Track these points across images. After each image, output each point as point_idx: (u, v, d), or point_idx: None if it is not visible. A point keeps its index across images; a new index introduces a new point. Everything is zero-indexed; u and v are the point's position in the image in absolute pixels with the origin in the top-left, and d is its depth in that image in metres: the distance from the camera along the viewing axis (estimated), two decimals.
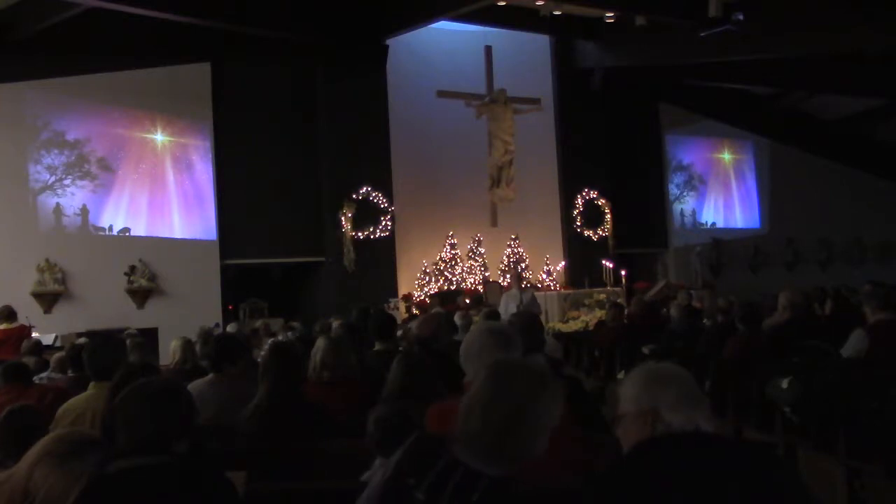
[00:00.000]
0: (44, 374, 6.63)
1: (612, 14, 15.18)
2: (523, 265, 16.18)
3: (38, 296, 12.69)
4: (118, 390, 3.38)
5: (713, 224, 19.64)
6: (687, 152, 19.46)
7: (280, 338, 8.50)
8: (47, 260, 12.82)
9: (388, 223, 14.84)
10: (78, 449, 2.49)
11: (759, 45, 14.06)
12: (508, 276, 13.39)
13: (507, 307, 10.81)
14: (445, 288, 15.36)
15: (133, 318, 12.91)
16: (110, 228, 13.49)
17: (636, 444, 2.29)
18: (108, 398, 3.92)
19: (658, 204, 18.69)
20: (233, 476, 2.75)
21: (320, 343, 4.74)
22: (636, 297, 12.16)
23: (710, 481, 2.14)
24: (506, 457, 2.07)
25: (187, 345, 6.53)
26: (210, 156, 14.25)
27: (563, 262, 16.47)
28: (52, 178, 13.06)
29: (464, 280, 15.73)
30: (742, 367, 5.93)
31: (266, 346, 7.04)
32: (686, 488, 2.13)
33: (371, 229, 14.62)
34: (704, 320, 9.52)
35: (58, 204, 13.07)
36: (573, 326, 13.22)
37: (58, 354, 7.08)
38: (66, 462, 2.44)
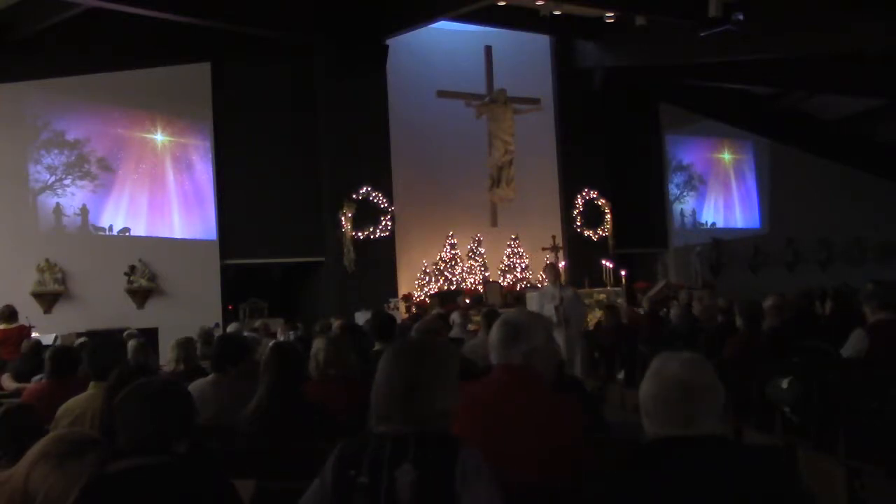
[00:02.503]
0: (42, 375, 6.62)
1: (612, 14, 15.19)
2: (554, 263, 16.10)
3: (38, 296, 12.70)
4: (113, 391, 3.38)
5: (713, 224, 19.65)
6: (687, 152, 19.47)
7: (281, 338, 8.50)
8: (47, 260, 12.82)
9: (388, 223, 14.85)
10: (77, 449, 2.49)
11: (759, 45, 14.06)
12: (546, 273, 10.64)
13: (542, 307, 9.33)
14: (445, 288, 15.36)
15: (133, 318, 12.91)
16: (110, 228, 13.49)
17: (641, 445, 2.31)
18: (104, 399, 3.93)
19: (658, 204, 18.69)
20: (241, 484, 2.76)
21: (320, 343, 4.74)
22: (606, 311, 11.11)
23: (707, 485, 2.14)
24: (417, 415, 2.35)
25: (185, 344, 6.50)
26: (210, 156, 14.25)
27: (563, 262, 16.47)
28: (52, 178, 13.06)
29: (464, 280, 15.73)
30: (742, 367, 5.93)
31: (265, 347, 7.05)
32: (683, 491, 2.13)
33: (371, 229, 14.62)
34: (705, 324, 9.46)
35: (58, 204, 13.08)
36: None
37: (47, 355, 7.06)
38: (65, 462, 2.44)
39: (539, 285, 16.09)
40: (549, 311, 9.08)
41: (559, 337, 8.90)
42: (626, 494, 2.21)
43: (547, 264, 11.05)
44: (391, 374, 2.44)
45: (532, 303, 10.23)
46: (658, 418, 2.26)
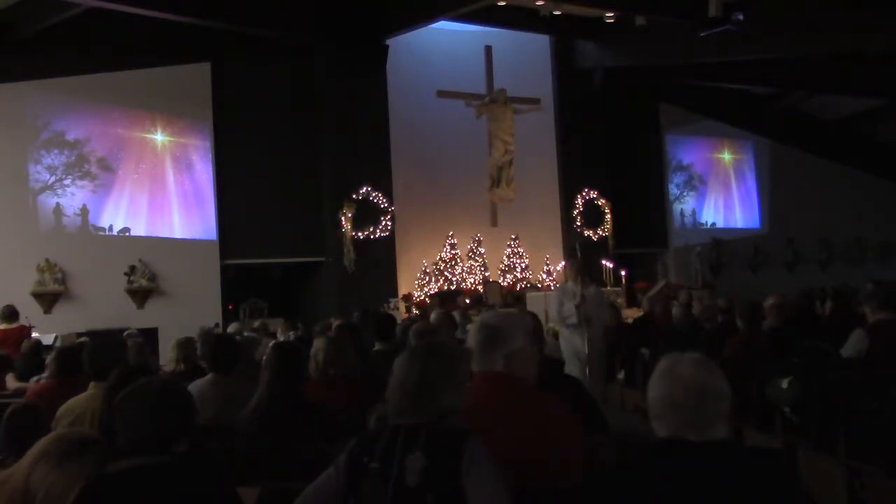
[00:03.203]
0: (42, 375, 6.62)
1: (612, 14, 15.19)
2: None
3: (38, 296, 12.69)
4: (113, 391, 3.38)
5: (713, 224, 19.64)
6: (687, 152, 19.46)
7: (282, 338, 8.50)
8: (47, 260, 12.82)
9: (388, 223, 14.84)
10: (78, 449, 2.49)
11: (759, 45, 14.06)
12: (567, 268, 9.24)
13: (562, 307, 8.51)
14: (445, 288, 15.36)
15: (133, 318, 12.90)
16: (110, 228, 13.49)
17: (645, 447, 2.31)
18: (104, 399, 3.93)
19: (658, 204, 18.68)
20: (244, 492, 2.76)
21: (320, 343, 4.74)
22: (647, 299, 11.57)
23: (710, 487, 2.14)
24: (426, 408, 2.54)
25: (185, 345, 6.51)
26: (210, 156, 14.25)
27: (563, 262, 16.45)
28: (52, 178, 13.06)
29: (464, 280, 15.73)
30: (742, 367, 5.93)
31: (265, 346, 7.05)
32: (686, 493, 2.13)
33: (371, 229, 14.61)
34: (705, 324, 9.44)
35: (58, 204, 13.08)
36: None
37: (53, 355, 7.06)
38: (65, 462, 2.44)
39: (539, 285, 16.13)
40: (569, 309, 8.41)
41: (579, 338, 8.43)
42: (626, 495, 2.20)
43: (571, 260, 9.65)
44: (405, 373, 2.62)
45: (551, 301, 9.09)
46: (671, 420, 2.24)
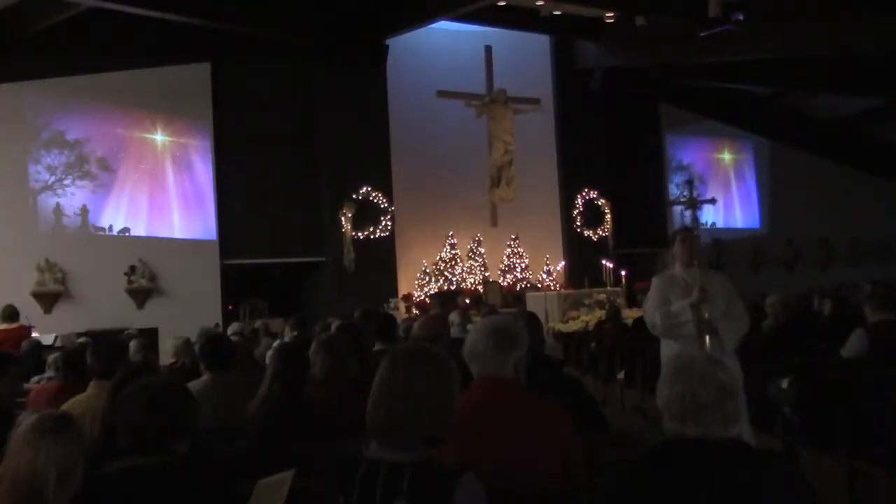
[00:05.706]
0: (42, 376, 6.62)
1: (612, 14, 15.19)
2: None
3: (38, 296, 12.69)
4: (118, 390, 3.38)
5: (713, 224, 19.65)
6: (687, 152, 19.47)
7: (286, 338, 8.50)
8: (47, 260, 12.82)
9: (388, 223, 14.85)
10: (63, 423, 2.43)
11: (759, 45, 14.05)
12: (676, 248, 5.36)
13: (667, 307, 5.02)
14: (445, 288, 15.36)
15: (133, 318, 12.90)
16: (110, 228, 13.49)
17: (653, 445, 2.29)
18: (109, 398, 3.92)
19: (658, 204, 18.68)
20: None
21: (319, 344, 4.73)
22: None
23: (717, 488, 2.13)
24: (417, 440, 2.13)
25: (186, 343, 6.51)
26: (210, 156, 14.25)
27: (563, 262, 16.47)
28: (52, 178, 13.06)
29: (464, 280, 15.73)
30: (742, 367, 5.93)
31: (265, 346, 7.06)
32: (696, 493, 2.13)
33: (371, 229, 14.62)
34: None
35: (58, 204, 13.08)
36: (573, 326, 13.21)
37: (54, 355, 7.05)
38: (60, 435, 2.36)
39: (538, 285, 16.12)
40: (682, 311, 4.99)
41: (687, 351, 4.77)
42: (633, 496, 2.20)
43: (679, 238, 5.42)
44: (397, 387, 2.22)
45: (649, 298, 5.30)
46: (696, 419, 2.21)
